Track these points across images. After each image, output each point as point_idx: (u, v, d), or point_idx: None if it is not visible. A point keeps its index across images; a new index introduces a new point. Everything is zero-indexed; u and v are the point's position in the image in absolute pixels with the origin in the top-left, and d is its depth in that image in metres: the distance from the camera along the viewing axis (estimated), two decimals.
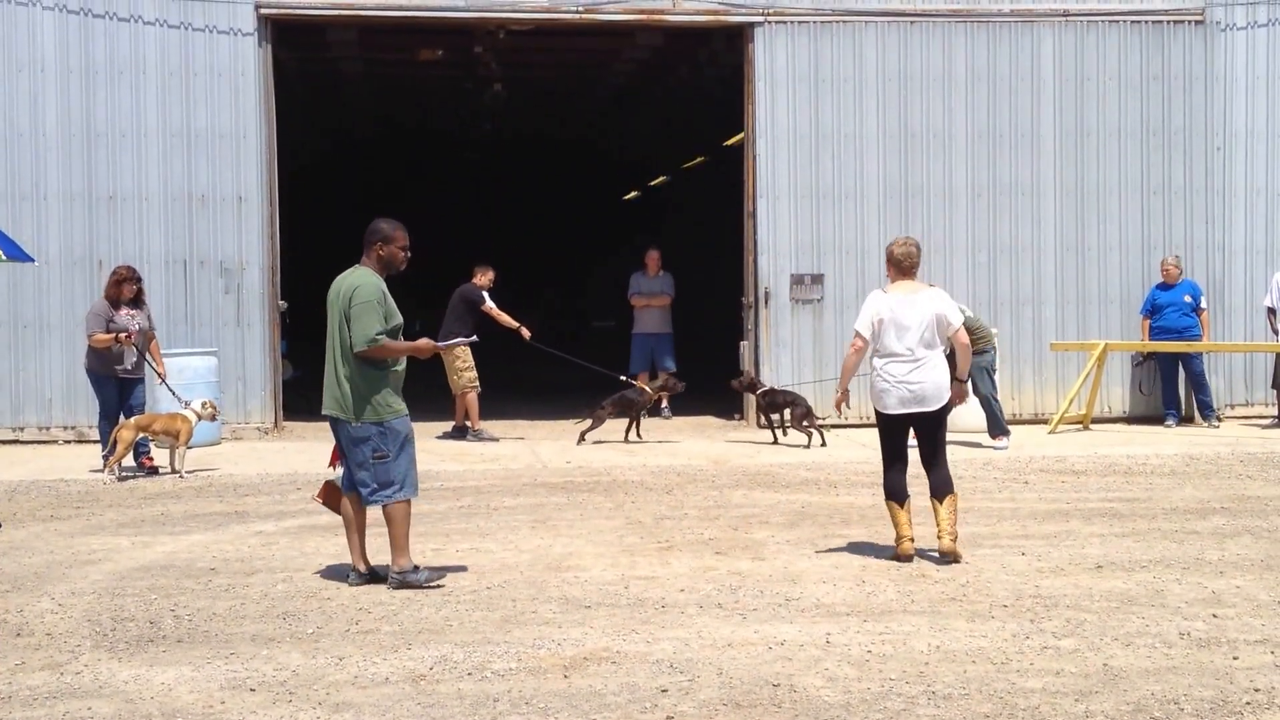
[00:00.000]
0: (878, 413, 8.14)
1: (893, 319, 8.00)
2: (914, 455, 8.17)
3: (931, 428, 8.08)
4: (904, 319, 7.98)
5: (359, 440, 7.37)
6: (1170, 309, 14.95)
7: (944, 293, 8.25)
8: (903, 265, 8.12)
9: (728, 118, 18.07)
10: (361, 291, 7.28)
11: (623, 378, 14.03)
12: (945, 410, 8.07)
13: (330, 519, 9.61)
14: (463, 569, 7.87)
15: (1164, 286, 15.04)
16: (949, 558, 7.89)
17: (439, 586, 7.41)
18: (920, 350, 7.96)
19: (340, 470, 7.82)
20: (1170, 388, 15.17)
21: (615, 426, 14.14)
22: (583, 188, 33.58)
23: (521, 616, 6.80)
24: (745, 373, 14.61)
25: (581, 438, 13.86)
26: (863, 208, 15.29)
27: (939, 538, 7.94)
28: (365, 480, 7.41)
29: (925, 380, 7.95)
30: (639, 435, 14.01)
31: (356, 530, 7.59)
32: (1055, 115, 15.48)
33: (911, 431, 8.14)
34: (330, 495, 7.87)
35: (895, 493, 8.03)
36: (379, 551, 7.66)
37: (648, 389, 14.07)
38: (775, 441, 13.76)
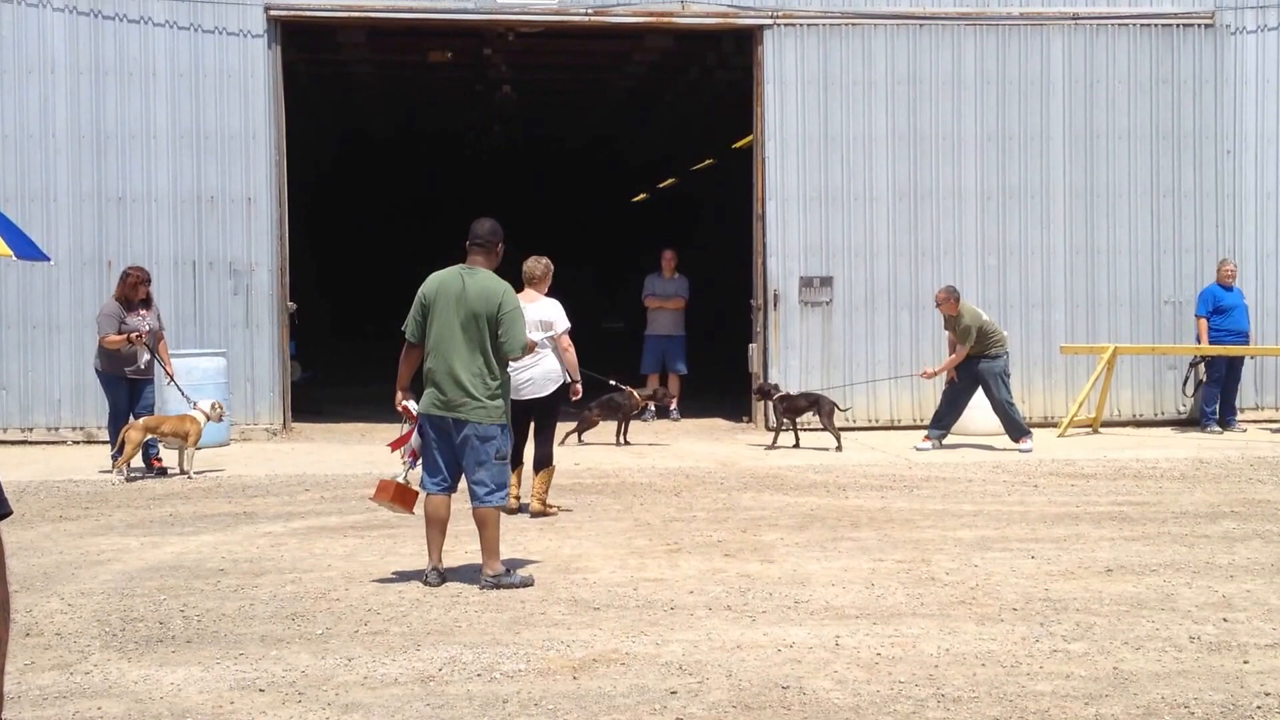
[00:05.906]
0: None
1: None
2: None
3: (545, 411, 9.76)
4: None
5: (486, 439, 7.52)
6: (1237, 310, 14.91)
7: (556, 303, 9.78)
8: (524, 277, 9.75)
9: (737, 120, 18.05)
10: (510, 297, 7.66)
11: (611, 381, 13.92)
12: (554, 398, 9.73)
13: (339, 519, 9.63)
14: (472, 569, 7.88)
15: (1223, 288, 14.94)
16: (537, 515, 9.62)
17: (531, 585, 7.48)
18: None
19: (405, 469, 7.93)
20: (1212, 391, 15.07)
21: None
22: (592, 190, 33.56)
23: (530, 618, 6.80)
24: (762, 380, 14.52)
25: (565, 438, 13.87)
26: (872, 210, 15.26)
27: (531, 500, 9.75)
28: (484, 480, 7.54)
29: (535, 373, 9.49)
30: (626, 440, 13.94)
31: (442, 531, 7.68)
32: (1064, 118, 15.43)
33: None
34: (401, 495, 7.94)
35: (513, 461, 9.26)
36: (387, 553, 7.65)
37: (635, 394, 13.99)
38: (796, 445, 13.64)
